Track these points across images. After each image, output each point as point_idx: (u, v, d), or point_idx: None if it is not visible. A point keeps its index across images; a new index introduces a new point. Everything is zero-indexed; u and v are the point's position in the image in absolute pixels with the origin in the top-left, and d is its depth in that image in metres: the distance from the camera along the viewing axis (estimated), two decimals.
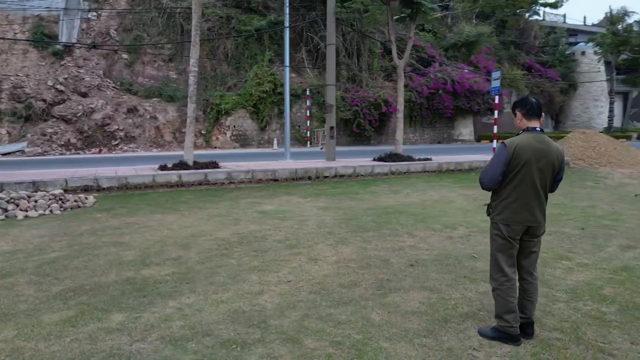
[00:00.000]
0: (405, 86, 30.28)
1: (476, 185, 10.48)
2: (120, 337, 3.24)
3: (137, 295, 4.01)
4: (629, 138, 31.38)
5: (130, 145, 20.99)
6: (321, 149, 24.71)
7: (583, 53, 45.48)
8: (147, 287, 4.22)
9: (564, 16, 54.97)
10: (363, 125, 27.43)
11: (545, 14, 49.20)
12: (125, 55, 23.83)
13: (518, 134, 3.16)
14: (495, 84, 16.06)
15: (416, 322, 3.48)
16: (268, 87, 26.20)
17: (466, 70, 31.67)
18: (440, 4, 33.37)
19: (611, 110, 41.42)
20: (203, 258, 5.10)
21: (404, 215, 7.21)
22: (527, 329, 3.18)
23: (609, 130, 39.06)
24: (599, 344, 3.10)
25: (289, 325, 3.44)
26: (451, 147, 26.04)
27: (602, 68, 45.19)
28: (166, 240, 5.83)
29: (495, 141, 17.05)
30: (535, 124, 3.12)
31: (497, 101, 16.40)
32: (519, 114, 3.14)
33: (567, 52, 45.48)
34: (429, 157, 13.84)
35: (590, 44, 46.43)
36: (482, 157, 14.74)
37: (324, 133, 26.82)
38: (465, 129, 32.75)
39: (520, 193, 3.05)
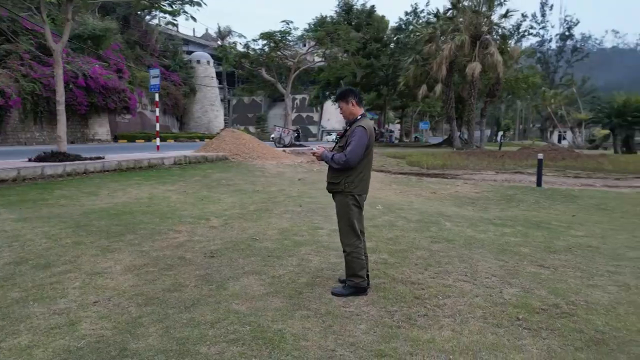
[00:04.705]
0: (25, 76, 25.81)
1: (171, 180, 10.53)
2: None
3: None
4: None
5: None
6: None
7: (198, 61, 50.65)
8: None
9: (177, 26, 59.23)
10: None
11: (161, 20, 51.92)
12: None
13: (358, 118, 3.69)
14: (155, 81, 16.20)
15: (278, 301, 3.56)
16: None
17: (98, 66, 29.80)
18: None
19: (226, 114, 48.20)
20: None
21: (140, 215, 6.60)
22: (368, 280, 3.84)
23: None
24: (404, 278, 4.10)
25: (156, 343, 2.87)
26: (90, 147, 24.06)
27: (214, 76, 51.79)
28: None
29: (158, 139, 17.16)
30: (363, 109, 3.78)
31: (157, 99, 16.50)
32: (353, 101, 3.70)
33: (185, 59, 49.55)
34: (100, 155, 12.61)
35: (202, 53, 52.27)
36: (153, 155, 14.64)
37: None
38: (102, 128, 30.86)
39: (367, 167, 3.67)
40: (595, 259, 4.83)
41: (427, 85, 27.81)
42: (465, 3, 25.66)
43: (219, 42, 46.15)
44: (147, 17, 44.20)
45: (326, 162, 3.65)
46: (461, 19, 25.04)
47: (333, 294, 3.70)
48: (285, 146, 23.21)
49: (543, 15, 76.36)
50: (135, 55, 40.16)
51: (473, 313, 3.38)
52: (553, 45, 78.05)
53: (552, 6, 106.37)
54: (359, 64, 30.05)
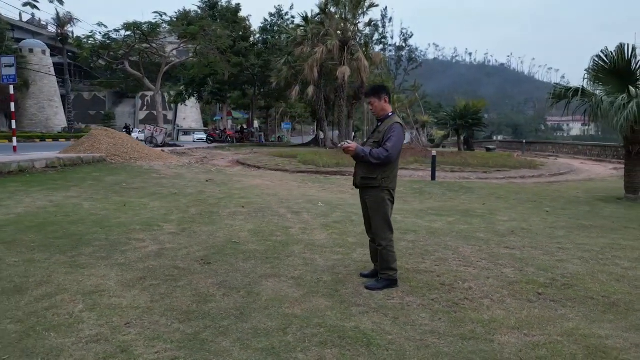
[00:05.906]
0: None
1: (61, 185, 9.21)
2: None
3: None
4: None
5: None
6: None
7: (31, 50, 44.19)
8: None
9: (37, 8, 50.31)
10: None
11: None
12: None
13: (390, 115, 3.77)
14: (9, 71, 13.85)
15: (324, 301, 3.48)
16: None
17: None
18: None
19: (70, 112, 42.69)
20: None
21: (68, 225, 5.63)
22: None
23: (70, 130, 40.12)
24: (414, 268, 4.31)
25: (245, 357, 2.61)
26: None
27: (52, 68, 45.56)
28: None
29: (15, 139, 14.61)
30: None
31: (12, 92, 14.02)
32: (386, 98, 3.78)
33: (14, 47, 42.63)
34: None
35: (36, 41, 45.56)
36: (18, 157, 12.48)
37: None
38: None
39: (397, 163, 3.78)
40: (538, 239, 5.67)
41: (299, 87, 28.61)
42: (333, 9, 27.04)
43: (52, 29, 40.62)
44: None
45: (361, 157, 3.65)
46: (328, 26, 26.34)
47: (368, 288, 3.73)
48: (158, 146, 21.64)
49: (384, 26, 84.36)
50: None
51: (500, 293, 3.73)
52: (391, 53, 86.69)
53: (391, 19, 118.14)
54: (229, 61, 29.47)
